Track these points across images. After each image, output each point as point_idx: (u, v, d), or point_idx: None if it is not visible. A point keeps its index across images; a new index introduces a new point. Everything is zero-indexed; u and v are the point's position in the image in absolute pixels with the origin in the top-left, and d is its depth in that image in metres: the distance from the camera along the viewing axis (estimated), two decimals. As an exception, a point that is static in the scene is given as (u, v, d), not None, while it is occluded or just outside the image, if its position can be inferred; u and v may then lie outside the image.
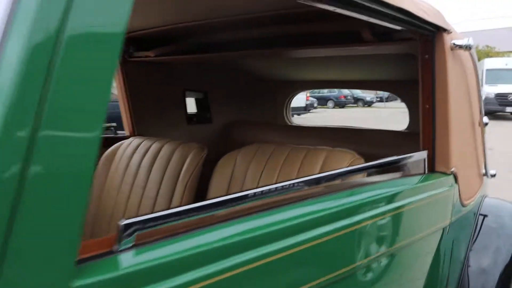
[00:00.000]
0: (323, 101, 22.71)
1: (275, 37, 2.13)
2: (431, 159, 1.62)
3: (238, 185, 1.84)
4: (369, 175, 1.49)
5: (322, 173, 1.37)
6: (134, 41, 2.54)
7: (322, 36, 1.97)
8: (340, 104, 23.18)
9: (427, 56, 1.60)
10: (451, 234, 1.73)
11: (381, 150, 2.53)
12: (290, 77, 3.15)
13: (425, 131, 1.64)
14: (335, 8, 1.16)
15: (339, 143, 2.71)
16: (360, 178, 1.47)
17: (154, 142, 2.18)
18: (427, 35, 1.58)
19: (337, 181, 1.34)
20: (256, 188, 1.03)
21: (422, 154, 1.61)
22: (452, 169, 1.64)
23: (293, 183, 1.13)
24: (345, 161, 1.61)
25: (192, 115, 3.03)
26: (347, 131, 2.75)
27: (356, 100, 24.21)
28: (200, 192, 1.90)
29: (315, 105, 21.21)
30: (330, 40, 1.93)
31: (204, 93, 3.10)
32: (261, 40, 2.18)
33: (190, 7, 1.81)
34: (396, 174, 1.56)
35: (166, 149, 2.09)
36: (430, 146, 1.62)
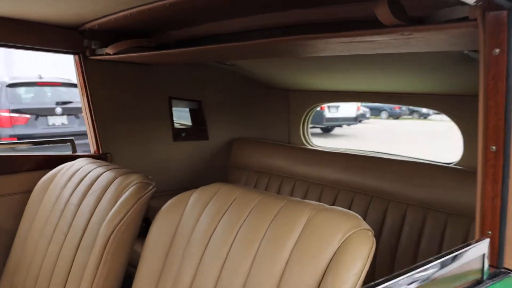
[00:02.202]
0: (376, 112, 21.57)
1: (282, 25, 1.49)
2: (497, 249, 0.90)
3: (182, 242, 1.22)
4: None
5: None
6: (97, 34, 1.99)
7: (337, 24, 1.31)
8: (394, 115, 21.93)
9: (498, 51, 0.88)
10: None
11: (417, 190, 1.82)
12: (307, 85, 2.48)
13: (486, 199, 0.90)
14: None
15: (362, 174, 2.02)
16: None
17: (96, 168, 1.60)
18: (498, 14, 0.87)
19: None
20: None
21: (481, 245, 0.89)
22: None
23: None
24: (339, 232, 0.94)
25: (180, 129, 2.44)
26: (376, 160, 2.04)
27: (411, 112, 22.86)
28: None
29: (367, 115, 20.18)
30: (344, 27, 1.26)
31: (198, 102, 2.50)
32: (264, 30, 1.55)
33: None
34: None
35: (103, 180, 1.50)
36: (496, 226, 0.89)
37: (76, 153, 2.08)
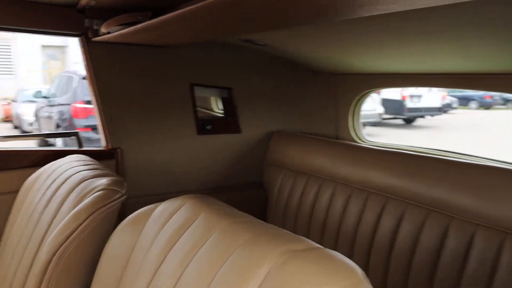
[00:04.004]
0: (464, 102, 19.88)
1: None
2: None
3: (134, 268, 0.91)
4: None
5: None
6: (98, 12, 1.73)
7: None
8: (485, 105, 20.05)
9: None
10: None
11: (496, 206, 1.33)
12: (357, 67, 2.04)
13: None
14: None
15: (419, 181, 1.56)
16: None
17: (72, 168, 1.33)
18: None
19: None
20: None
21: None
22: None
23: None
24: None
25: (206, 120, 2.12)
26: (442, 164, 1.55)
27: (506, 101, 20.74)
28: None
29: (454, 105, 18.68)
30: None
31: (228, 90, 2.16)
32: None
33: None
34: None
35: (68, 183, 1.22)
36: None
37: (80, 149, 1.84)
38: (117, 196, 1.09)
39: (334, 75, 2.26)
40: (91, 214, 1.02)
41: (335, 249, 1.78)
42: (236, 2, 0.91)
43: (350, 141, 2.22)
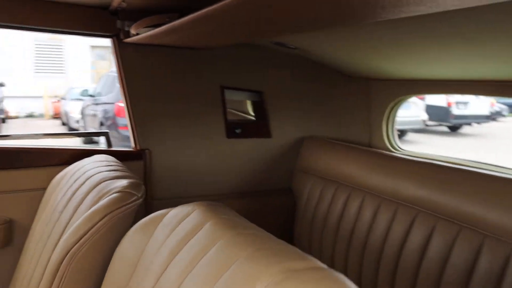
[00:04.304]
0: (515, 109, 18.96)
1: None
2: None
3: (143, 270, 0.90)
4: None
5: None
6: (130, 13, 1.74)
7: None
8: (539, 113, 19.04)
9: None
10: None
11: None
12: (393, 71, 1.96)
13: None
14: None
15: (450, 194, 1.48)
16: None
17: (94, 168, 1.34)
18: None
19: None
20: None
21: None
22: None
23: None
24: None
25: (236, 124, 2.10)
26: (479, 177, 1.45)
27: None
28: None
29: (504, 113, 17.86)
30: None
31: (258, 93, 2.14)
32: None
33: None
34: None
35: (88, 184, 1.23)
36: None
37: (109, 149, 1.86)
38: (133, 199, 1.08)
39: (368, 80, 2.19)
40: (104, 216, 1.02)
41: (361, 261, 1.72)
42: (258, 3, 0.89)
43: (383, 149, 2.13)
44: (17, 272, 1.43)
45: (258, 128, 2.14)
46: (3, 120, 12.73)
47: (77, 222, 1.03)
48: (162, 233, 0.91)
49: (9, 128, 12.47)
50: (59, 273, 1.00)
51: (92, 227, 1.01)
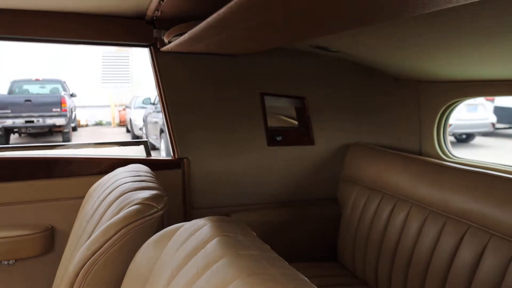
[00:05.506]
0: None
1: None
2: None
3: (153, 284, 0.86)
4: None
5: None
6: (166, 22, 1.74)
7: None
8: None
9: None
10: None
11: None
12: (444, 74, 1.81)
13: None
14: None
15: (505, 207, 1.33)
16: None
17: (123, 178, 1.33)
18: None
19: None
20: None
21: None
22: None
23: None
24: None
25: (276, 131, 2.04)
26: None
27: None
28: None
29: None
30: None
31: (300, 99, 2.06)
32: None
33: None
34: None
35: (113, 194, 1.22)
36: None
37: (148, 157, 1.87)
38: (152, 211, 1.06)
39: (417, 82, 2.05)
40: (121, 229, 1.00)
41: (405, 278, 1.59)
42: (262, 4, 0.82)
43: (434, 157, 1.98)
44: (55, 279, 1.46)
45: (300, 135, 2.07)
46: (74, 128, 13.51)
47: (94, 235, 1.02)
48: (172, 248, 0.87)
49: (80, 136, 13.19)
50: (75, 286, 0.99)
51: (107, 241, 0.99)
